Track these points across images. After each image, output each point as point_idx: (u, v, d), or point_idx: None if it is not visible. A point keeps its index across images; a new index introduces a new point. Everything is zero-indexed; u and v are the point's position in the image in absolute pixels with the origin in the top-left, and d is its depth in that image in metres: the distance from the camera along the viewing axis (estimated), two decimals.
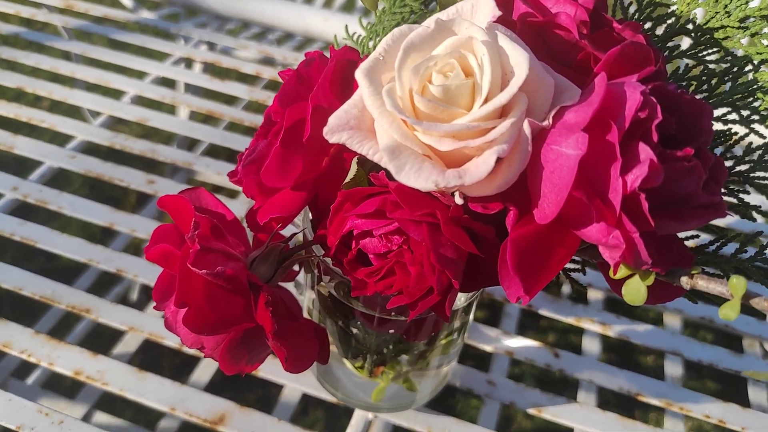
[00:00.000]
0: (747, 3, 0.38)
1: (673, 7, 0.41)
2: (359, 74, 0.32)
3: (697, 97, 0.40)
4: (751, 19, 0.38)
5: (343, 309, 0.44)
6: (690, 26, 0.40)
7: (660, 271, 0.30)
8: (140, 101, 0.79)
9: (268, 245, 0.40)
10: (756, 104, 0.38)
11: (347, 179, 0.37)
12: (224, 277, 0.35)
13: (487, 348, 0.58)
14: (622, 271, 0.32)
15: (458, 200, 0.34)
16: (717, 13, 0.39)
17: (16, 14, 0.91)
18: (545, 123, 0.30)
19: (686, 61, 0.41)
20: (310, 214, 0.42)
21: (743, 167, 0.38)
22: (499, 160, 0.31)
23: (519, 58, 0.30)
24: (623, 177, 0.28)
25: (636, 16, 0.42)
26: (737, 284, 0.28)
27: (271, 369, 0.54)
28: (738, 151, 0.71)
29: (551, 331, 0.61)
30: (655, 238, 0.31)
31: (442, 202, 0.35)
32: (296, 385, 0.53)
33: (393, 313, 0.43)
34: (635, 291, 0.32)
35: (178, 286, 0.34)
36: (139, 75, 0.83)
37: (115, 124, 0.77)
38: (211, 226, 0.38)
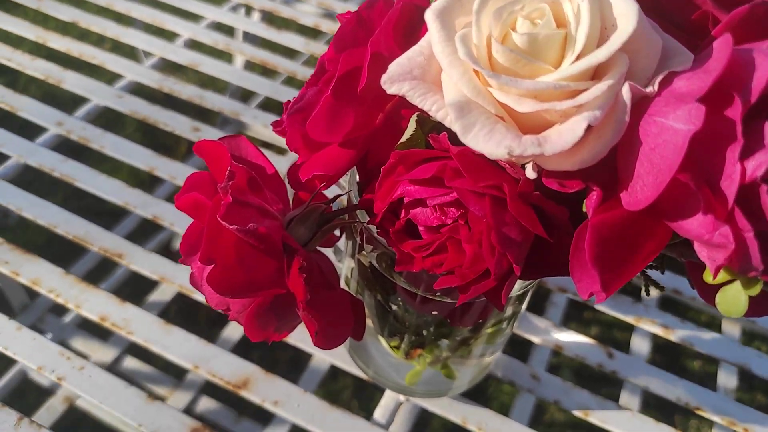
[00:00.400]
0: None
1: None
2: (430, 15, 0.27)
3: None
4: None
5: (384, 283, 0.40)
6: None
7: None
8: (194, 45, 0.76)
9: (309, 205, 0.36)
10: None
11: (403, 138, 0.33)
12: (256, 235, 0.31)
13: (535, 339, 0.54)
14: (721, 276, 0.27)
15: (530, 173, 0.29)
16: None
17: None
18: (649, 89, 0.25)
19: None
20: (357, 176, 0.38)
21: None
22: (588, 129, 0.26)
23: (625, 9, 0.25)
24: (742, 163, 0.23)
25: None
26: None
27: (301, 337, 0.51)
28: None
29: (595, 324, 0.56)
30: None
31: (509, 175, 0.30)
32: (326, 356, 0.50)
33: (438, 294, 0.38)
34: (734, 301, 0.27)
35: (205, 241, 0.31)
36: (195, 18, 0.79)
37: (167, 67, 0.74)
38: (248, 178, 0.34)
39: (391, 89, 0.28)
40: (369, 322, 0.44)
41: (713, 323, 0.60)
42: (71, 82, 0.68)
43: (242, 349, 0.53)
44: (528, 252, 0.31)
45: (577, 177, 0.27)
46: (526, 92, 0.25)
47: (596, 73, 0.27)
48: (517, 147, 0.25)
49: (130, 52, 0.74)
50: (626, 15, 0.25)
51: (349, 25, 0.35)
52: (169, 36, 0.77)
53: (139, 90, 0.69)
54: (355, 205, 0.37)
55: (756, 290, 0.26)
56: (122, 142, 0.62)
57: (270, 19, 0.84)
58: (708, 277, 0.27)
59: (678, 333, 0.56)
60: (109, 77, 0.71)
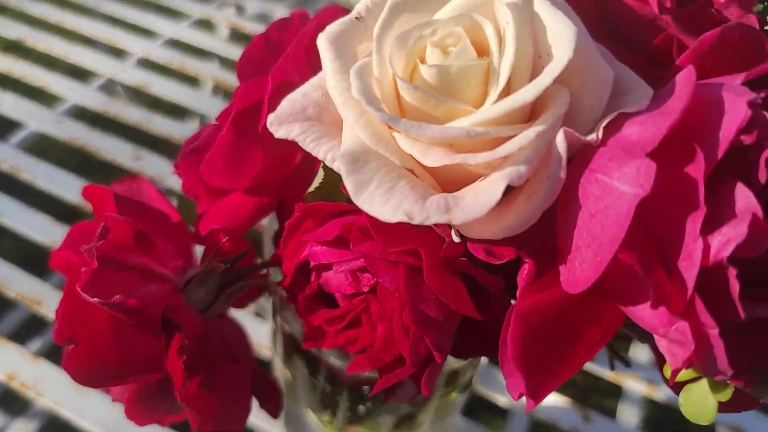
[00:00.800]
0: None
1: None
2: (322, 41, 0.22)
3: None
4: None
5: (307, 355, 0.34)
6: None
7: (743, 384, 0.19)
8: (147, 64, 0.71)
9: (210, 263, 0.30)
10: None
11: (312, 188, 0.27)
12: (124, 309, 0.25)
13: (501, 400, 0.48)
14: (686, 373, 0.21)
15: (455, 237, 0.23)
16: None
17: None
18: (592, 137, 0.20)
19: None
20: (276, 225, 0.33)
21: None
22: (515, 188, 0.20)
23: (561, 33, 0.19)
24: (705, 238, 0.18)
25: None
26: None
27: None
28: None
29: (581, 383, 0.50)
30: (752, 334, 0.20)
31: (435, 235, 0.24)
32: (264, 427, 0.44)
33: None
34: (701, 403, 0.21)
35: (61, 315, 0.25)
36: (151, 35, 0.74)
37: (115, 88, 0.69)
38: (134, 233, 0.29)
39: (278, 132, 0.23)
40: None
41: None
42: (8, 105, 0.63)
43: None
44: (458, 328, 0.26)
45: (509, 244, 0.22)
46: (433, 140, 0.20)
47: (533, 113, 0.22)
48: (418, 212, 0.19)
49: (77, 73, 0.69)
50: (562, 40, 0.19)
51: (256, 49, 0.29)
52: (121, 55, 0.72)
53: (81, 114, 0.64)
54: (263, 262, 0.31)
55: (726, 395, 0.20)
56: (56, 172, 0.57)
57: (239, 37, 0.79)
58: (668, 373, 0.21)
59: (665, 390, 0.50)
60: (51, 100, 0.66)
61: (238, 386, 0.29)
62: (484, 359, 0.41)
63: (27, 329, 0.52)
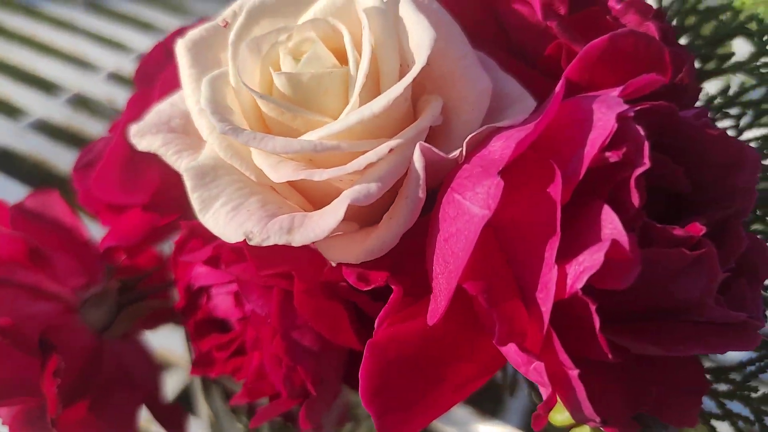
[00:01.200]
0: None
1: None
2: (179, 47, 0.20)
3: (751, 134, 0.26)
4: None
5: (221, 384, 0.32)
6: (753, 25, 0.26)
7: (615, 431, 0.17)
8: (117, 79, 0.70)
9: (108, 282, 0.29)
10: None
11: None
12: None
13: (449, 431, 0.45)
14: (564, 415, 0.19)
15: (332, 261, 0.21)
16: None
17: None
18: (454, 154, 0.18)
19: (741, 78, 0.27)
20: None
21: None
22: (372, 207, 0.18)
23: (419, 39, 0.18)
24: (562, 267, 0.16)
25: (675, 5, 0.28)
26: None
27: None
28: None
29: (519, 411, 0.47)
30: (624, 375, 0.18)
31: (318, 257, 0.23)
32: None
33: None
34: None
35: None
36: (126, 50, 0.74)
37: (84, 102, 0.68)
38: (28, 249, 0.27)
39: (141, 144, 0.21)
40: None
41: None
42: None
43: None
44: (353, 357, 0.24)
45: (383, 269, 0.20)
46: (278, 154, 0.18)
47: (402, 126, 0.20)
48: (258, 233, 0.17)
49: (46, 86, 0.68)
50: (419, 48, 0.18)
51: (154, 58, 0.28)
52: (92, 69, 0.71)
53: (45, 127, 0.63)
54: (164, 283, 0.30)
55: None
56: (11, 186, 0.56)
57: None
58: (554, 415, 0.19)
59: None
60: (16, 113, 0.65)
61: (127, 414, 0.28)
62: None
63: None
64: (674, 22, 0.28)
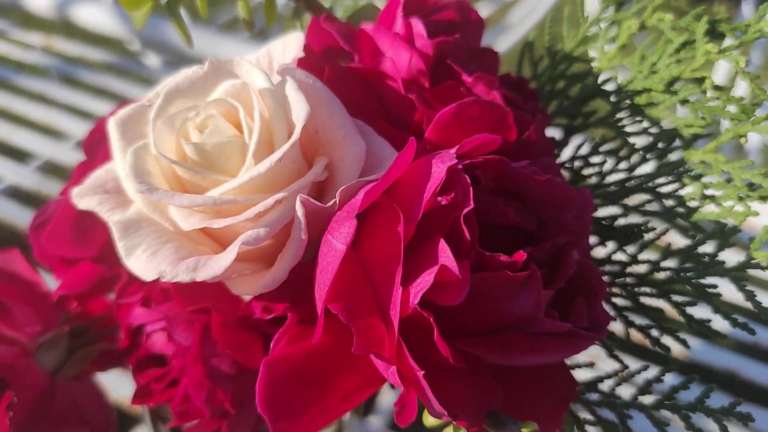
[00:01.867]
0: (678, 61, 0.29)
1: (594, 63, 0.33)
2: (111, 123, 0.25)
3: (616, 177, 0.31)
4: (682, 83, 0.29)
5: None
6: (609, 86, 0.31)
7: (467, 426, 0.21)
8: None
9: (60, 327, 0.32)
10: (682, 192, 0.28)
11: None
12: None
13: None
14: (430, 419, 0.23)
15: (245, 297, 0.25)
16: (641, 72, 0.30)
17: None
18: (330, 203, 0.22)
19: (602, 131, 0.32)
20: None
21: (661, 275, 0.28)
22: (278, 237, 0.23)
23: (297, 112, 0.22)
24: (406, 288, 0.20)
25: (547, 73, 0.33)
26: None
27: None
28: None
29: None
30: (473, 377, 0.22)
31: (237, 297, 0.26)
32: None
33: None
34: None
35: None
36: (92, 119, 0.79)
37: (54, 168, 0.73)
38: None
39: (81, 204, 0.25)
40: None
41: None
42: None
43: None
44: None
45: (285, 299, 0.24)
46: (186, 208, 0.22)
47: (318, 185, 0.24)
48: (170, 271, 0.21)
49: (17, 154, 0.73)
50: (297, 119, 0.22)
51: (98, 131, 0.32)
52: (64, 137, 0.76)
53: (15, 193, 0.67)
54: (115, 327, 0.33)
55: None
56: None
57: None
58: (425, 419, 0.23)
59: None
60: None
61: None
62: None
63: None
64: (546, 87, 0.33)
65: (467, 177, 0.21)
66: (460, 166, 0.21)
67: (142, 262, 0.22)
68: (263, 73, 0.23)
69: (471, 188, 0.20)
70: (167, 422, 0.33)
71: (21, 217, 0.63)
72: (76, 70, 0.88)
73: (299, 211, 0.22)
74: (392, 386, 0.31)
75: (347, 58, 0.26)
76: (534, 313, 0.21)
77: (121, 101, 0.83)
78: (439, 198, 0.20)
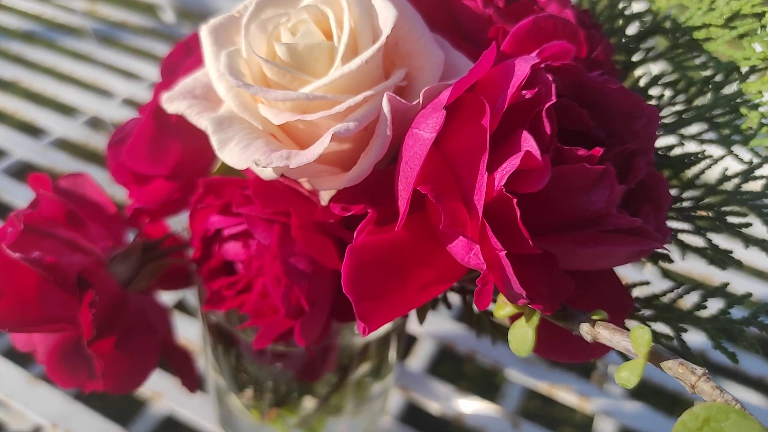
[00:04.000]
0: None
1: (652, 3, 0.34)
2: (203, 31, 0.26)
3: (673, 109, 0.32)
4: (742, 18, 0.30)
5: (229, 339, 0.37)
6: (668, 24, 0.32)
7: (543, 310, 0.22)
8: (131, 104, 0.77)
9: (133, 242, 0.34)
10: (738, 122, 0.29)
11: (216, 168, 0.31)
12: (43, 265, 0.29)
13: (434, 406, 0.50)
14: (506, 309, 0.24)
15: (323, 200, 0.27)
16: (699, 9, 0.31)
17: (39, 14, 0.92)
18: (415, 102, 0.24)
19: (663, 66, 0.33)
20: None
21: (715, 198, 0.29)
22: (358, 142, 0.24)
23: (385, 18, 0.24)
24: (491, 174, 0.21)
25: (606, 12, 0.34)
26: (641, 338, 0.20)
27: (177, 399, 0.47)
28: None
29: (504, 391, 0.51)
30: (547, 267, 0.23)
31: (310, 202, 0.28)
32: (202, 420, 0.46)
33: (282, 346, 0.35)
34: (522, 337, 0.24)
35: None
36: (138, 79, 0.81)
37: (100, 124, 0.74)
38: (66, 212, 0.33)
39: (170, 108, 0.27)
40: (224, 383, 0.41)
41: (640, 392, 0.55)
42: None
43: (121, 409, 0.50)
44: (339, 294, 0.29)
45: (363, 201, 0.25)
46: (283, 104, 0.24)
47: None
48: (264, 160, 0.23)
49: (66, 110, 0.75)
50: (385, 24, 0.23)
51: (178, 53, 0.34)
52: (109, 96, 0.78)
53: (65, 146, 0.69)
54: (186, 242, 0.35)
55: (534, 322, 0.23)
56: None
57: None
58: (497, 311, 0.24)
59: (596, 403, 0.51)
60: (38, 133, 0.71)
61: (149, 353, 0.32)
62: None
63: None
64: (605, 26, 0.34)
65: (549, 75, 0.22)
66: (542, 65, 0.22)
67: (236, 154, 0.23)
68: None
69: (553, 85, 0.22)
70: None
71: (70, 168, 0.65)
72: (119, 33, 0.90)
73: (386, 107, 0.23)
74: (457, 290, 0.33)
75: None
76: (607, 209, 0.23)
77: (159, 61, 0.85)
78: (523, 91, 0.22)
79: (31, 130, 0.71)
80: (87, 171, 0.65)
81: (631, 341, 0.20)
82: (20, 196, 0.61)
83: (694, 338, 0.28)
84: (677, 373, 0.20)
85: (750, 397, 0.55)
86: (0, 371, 0.47)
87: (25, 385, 0.46)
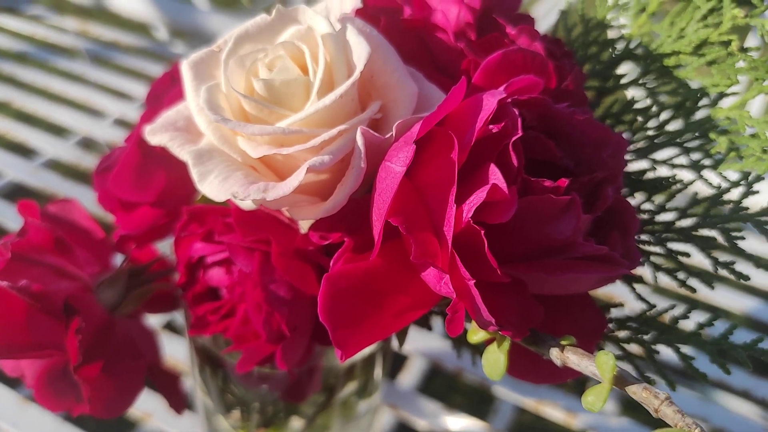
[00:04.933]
0: (706, 26, 0.31)
1: (625, 30, 0.35)
2: (184, 66, 0.27)
3: (646, 134, 0.32)
4: (710, 46, 0.31)
5: (215, 362, 0.37)
6: (639, 51, 0.33)
7: (512, 336, 0.23)
8: (123, 125, 0.78)
9: (119, 267, 0.34)
10: (708, 147, 0.30)
11: (199, 195, 0.32)
12: (29, 293, 0.29)
13: (421, 424, 0.50)
14: (478, 335, 0.25)
15: (302, 227, 0.28)
16: (669, 36, 0.32)
17: (32, 35, 0.93)
18: (387, 135, 0.24)
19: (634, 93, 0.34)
20: None
21: (686, 222, 0.30)
22: (335, 173, 0.25)
23: (359, 54, 0.24)
24: (459, 206, 0.22)
25: (580, 39, 0.35)
26: (605, 363, 0.21)
27: (166, 419, 0.48)
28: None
29: (493, 408, 0.52)
30: (516, 294, 0.24)
31: (291, 230, 0.29)
32: None
33: (268, 368, 0.36)
34: (494, 361, 0.24)
35: None
36: (130, 99, 0.81)
37: (91, 144, 0.75)
38: (54, 238, 0.33)
39: (153, 140, 0.27)
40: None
41: (626, 408, 0.56)
42: None
43: (111, 429, 0.50)
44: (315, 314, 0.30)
45: (340, 229, 0.26)
46: (261, 138, 0.24)
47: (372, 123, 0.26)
48: (242, 192, 0.23)
49: (57, 130, 0.75)
50: (359, 59, 0.24)
51: (161, 83, 0.35)
52: (100, 116, 0.78)
53: (56, 166, 0.70)
54: (171, 267, 0.36)
55: (505, 348, 0.24)
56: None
57: None
58: (470, 336, 0.25)
59: (582, 418, 0.52)
60: (30, 153, 0.72)
61: (135, 377, 0.33)
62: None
63: None
64: (579, 53, 0.35)
65: (515, 110, 0.23)
66: (509, 100, 0.23)
67: (215, 186, 0.24)
68: (326, 20, 0.25)
69: (519, 119, 0.22)
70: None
71: (61, 188, 0.66)
72: (111, 53, 0.91)
73: (359, 141, 0.24)
74: (437, 314, 0.33)
75: (398, 12, 0.28)
76: (574, 237, 0.23)
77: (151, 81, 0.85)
78: (490, 126, 0.22)
79: (23, 150, 0.72)
80: (79, 191, 0.66)
81: (596, 366, 0.21)
82: (12, 218, 0.62)
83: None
84: (641, 397, 0.21)
85: (739, 408, 0.56)
86: None
87: (15, 406, 0.47)
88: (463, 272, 0.22)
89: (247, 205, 0.27)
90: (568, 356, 0.23)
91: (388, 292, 0.25)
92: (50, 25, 0.96)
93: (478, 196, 0.21)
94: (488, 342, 0.25)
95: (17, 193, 0.67)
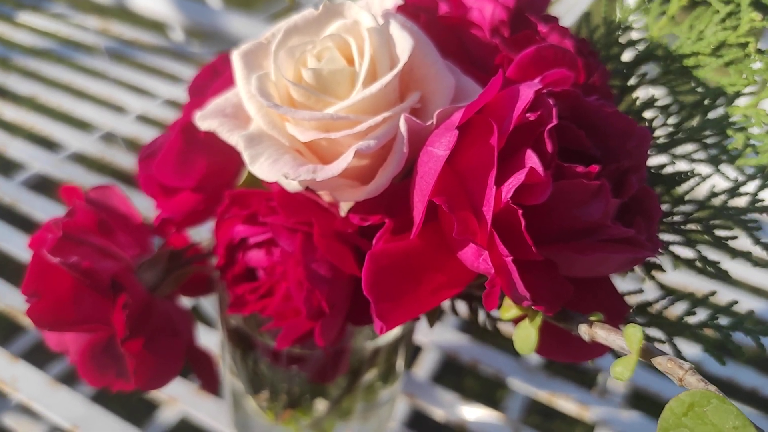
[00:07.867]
0: (724, 29, 0.33)
1: (645, 32, 0.36)
2: (235, 55, 0.29)
3: (666, 130, 0.34)
4: (728, 47, 0.33)
5: (248, 343, 0.39)
6: (660, 52, 0.35)
7: (545, 311, 0.24)
8: (144, 120, 0.79)
9: (159, 250, 0.36)
10: (725, 142, 0.32)
11: (240, 180, 0.34)
12: (80, 270, 0.31)
13: (438, 413, 0.52)
14: (511, 311, 0.26)
15: (342, 212, 0.29)
16: (689, 38, 0.34)
17: (55, 32, 0.95)
18: (429, 122, 0.26)
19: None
20: None
21: (703, 213, 0.31)
22: (374, 161, 0.26)
23: (402, 46, 0.26)
24: (499, 187, 0.23)
25: (602, 41, 0.37)
26: (633, 335, 0.22)
27: (192, 402, 0.49)
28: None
29: (507, 400, 0.53)
30: (549, 273, 0.25)
31: (330, 213, 0.30)
32: (216, 423, 0.48)
33: (298, 348, 0.38)
34: (526, 337, 0.26)
35: (29, 273, 0.31)
36: (151, 96, 0.83)
37: (114, 139, 0.77)
38: (97, 221, 0.35)
39: (203, 125, 0.29)
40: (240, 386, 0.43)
41: (638, 401, 0.57)
42: (16, 149, 0.71)
43: (137, 412, 0.52)
44: (353, 294, 0.31)
45: (380, 212, 0.28)
46: (306, 123, 0.26)
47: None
48: (292, 173, 0.25)
49: (81, 125, 0.77)
50: (402, 52, 0.26)
51: (204, 75, 0.36)
52: (122, 112, 0.80)
53: (81, 159, 0.72)
54: (210, 250, 0.37)
55: (537, 323, 0.25)
56: (51, 208, 0.64)
57: None
58: (503, 313, 0.27)
59: (594, 411, 0.53)
60: (55, 146, 0.73)
61: (175, 354, 0.34)
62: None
63: (6, 335, 0.57)
64: (602, 53, 0.37)
65: (551, 100, 0.24)
66: (545, 91, 0.25)
67: (266, 168, 0.26)
68: (371, 14, 0.27)
69: (554, 108, 0.24)
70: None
71: (86, 181, 0.68)
72: (131, 51, 0.93)
73: (403, 127, 0.25)
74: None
75: (435, 9, 0.30)
76: (603, 220, 0.25)
77: (174, 79, 0.87)
78: (527, 114, 0.24)
79: (48, 144, 0.74)
80: (102, 183, 0.67)
81: (624, 339, 0.23)
82: (39, 208, 0.64)
83: (689, 350, 0.30)
84: (666, 368, 0.22)
85: (743, 409, 0.57)
86: (21, 374, 0.49)
87: (45, 387, 0.48)
88: (502, 249, 0.23)
89: (293, 186, 0.28)
90: (597, 331, 0.24)
91: (425, 270, 0.26)
92: (72, 23, 0.98)
93: (517, 178, 0.23)
94: (518, 320, 0.26)
95: (43, 185, 0.69)
